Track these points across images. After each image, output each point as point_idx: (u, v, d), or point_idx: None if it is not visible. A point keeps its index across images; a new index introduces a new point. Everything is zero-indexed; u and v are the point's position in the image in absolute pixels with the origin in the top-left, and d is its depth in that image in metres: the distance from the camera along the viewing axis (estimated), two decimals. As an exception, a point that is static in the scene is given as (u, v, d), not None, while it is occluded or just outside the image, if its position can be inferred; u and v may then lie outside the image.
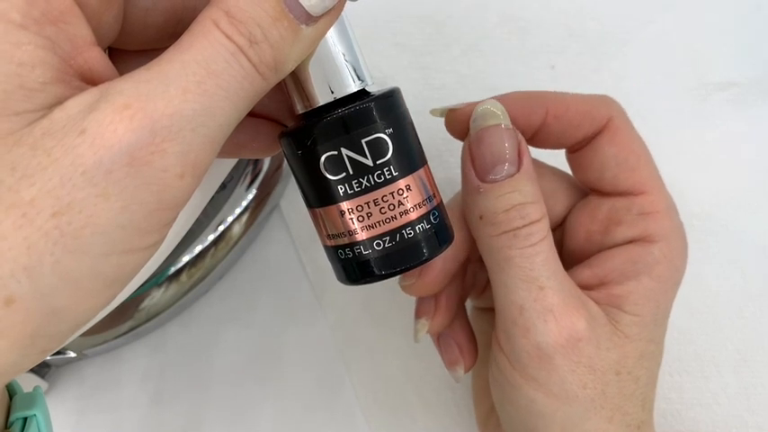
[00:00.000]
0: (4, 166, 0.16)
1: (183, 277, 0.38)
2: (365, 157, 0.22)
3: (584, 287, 0.29)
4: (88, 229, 0.16)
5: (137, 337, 0.39)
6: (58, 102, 0.17)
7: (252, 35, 0.18)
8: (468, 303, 0.35)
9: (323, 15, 0.19)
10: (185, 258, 0.38)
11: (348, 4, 0.21)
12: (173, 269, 0.38)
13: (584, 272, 0.29)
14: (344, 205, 0.22)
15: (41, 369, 0.38)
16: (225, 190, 0.38)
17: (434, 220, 0.23)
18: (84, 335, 0.37)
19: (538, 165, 0.31)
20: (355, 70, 0.22)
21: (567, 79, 0.41)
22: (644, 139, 0.30)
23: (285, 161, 0.33)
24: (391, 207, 0.22)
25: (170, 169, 0.17)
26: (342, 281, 0.24)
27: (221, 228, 0.38)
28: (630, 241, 0.29)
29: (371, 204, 0.22)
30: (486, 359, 0.32)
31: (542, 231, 0.27)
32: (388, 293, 0.40)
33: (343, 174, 0.22)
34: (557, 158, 0.32)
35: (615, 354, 0.27)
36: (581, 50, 0.41)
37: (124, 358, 0.40)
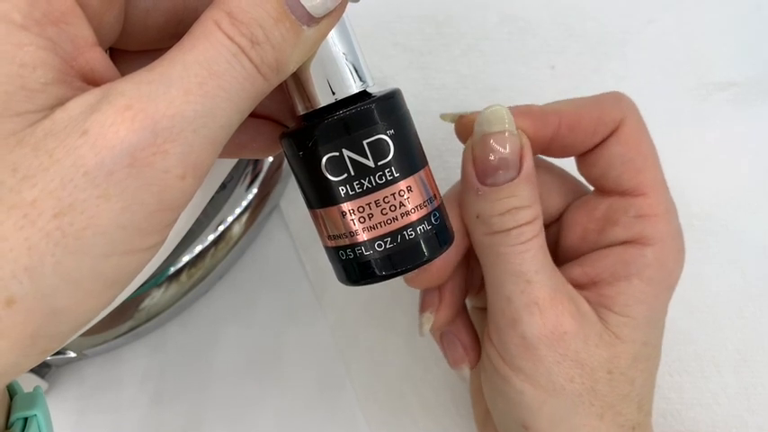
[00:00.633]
0: (5, 166, 0.16)
1: (183, 277, 0.38)
2: (366, 158, 0.22)
3: (576, 285, 0.29)
4: (89, 229, 0.16)
5: (137, 337, 0.39)
6: (60, 102, 0.17)
7: (254, 36, 0.18)
8: (467, 303, 0.35)
9: (324, 17, 0.19)
10: (185, 258, 0.38)
11: (349, 5, 0.21)
12: (173, 269, 0.38)
13: (575, 269, 0.30)
14: (346, 206, 0.22)
15: (41, 369, 0.38)
16: (225, 190, 0.38)
17: (435, 221, 0.23)
18: (84, 335, 0.37)
19: (536, 161, 0.31)
20: (356, 71, 0.22)
21: (567, 79, 0.41)
22: (644, 138, 0.30)
23: (285, 161, 0.33)
24: (392, 208, 0.22)
25: (171, 170, 0.17)
26: (342, 281, 0.24)
27: (221, 228, 0.38)
28: (625, 242, 0.29)
29: (372, 205, 0.22)
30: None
31: (533, 230, 0.27)
32: (389, 293, 0.40)
33: (345, 175, 0.22)
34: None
35: (605, 352, 0.27)
36: (581, 50, 0.41)
37: (124, 358, 0.40)
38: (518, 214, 0.27)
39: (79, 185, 0.16)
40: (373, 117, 0.22)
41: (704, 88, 0.41)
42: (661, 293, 0.29)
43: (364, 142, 0.22)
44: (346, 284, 0.24)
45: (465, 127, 0.30)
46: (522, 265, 0.27)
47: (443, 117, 0.31)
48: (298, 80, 0.22)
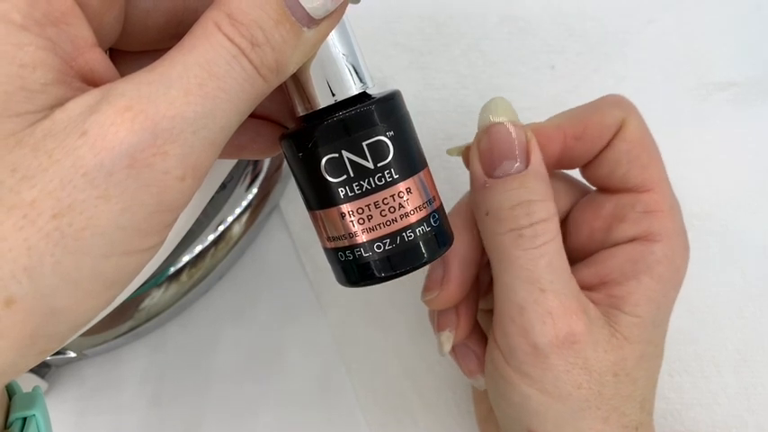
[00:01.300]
0: (5, 167, 0.16)
1: (183, 277, 0.38)
2: (366, 159, 0.22)
3: (585, 286, 0.29)
4: (89, 230, 0.16)
5: (137, 337, 0.39)
6: (59, 103, 0.17)
7: (254, 37, 0.18)
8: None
9: (325, 18, 0.19)
10: (185, 258, 0.38)
11: (349, 6, 0.21)
12: (173, 269, 0.38)
13: (584, 270, 0.29)
14: (345, 208, 0.22)
15: (41, 369, 0.38)
16: (225, 190, 0.38)
17: (434, 222, 0.23)
18: (84, 335, 0.37)
19: None
20: (356, 73, 0.22)
21: (567, 79, 0.41)
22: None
23: (285, 161, 0.33)
24: (392, 210, 0.22)
25: (171, 171, 0.17)
26: (342, 283, 0.24)
27: (221, 228, 0.38)
28: (633, 239, 0.29)
29: (372, 207, 0.22)
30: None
31: (549, 232, 0.27)
32: (389, 293, 0.40)
33: (344, 176, 0.22)
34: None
35: (613, 356, 0.27)
36: (581, 50, 0.41)
37: (124, 358, 0.40)
38: (530, 208, 0.26)
39: (78, 186, 0.16)
40: (373, 118, 0.22)
41: (704, 88, 0.41)
42: (669, 291, 0.29)
43: (364, 144, 0.22)
44: (345, 286, 0.24)
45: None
46: (536, 272, 0.26)
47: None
48: (297, 81, 0.22)
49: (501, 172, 0.27)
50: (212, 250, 0.38)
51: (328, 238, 0.23)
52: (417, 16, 0.42)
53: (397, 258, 0.23)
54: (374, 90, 0.23)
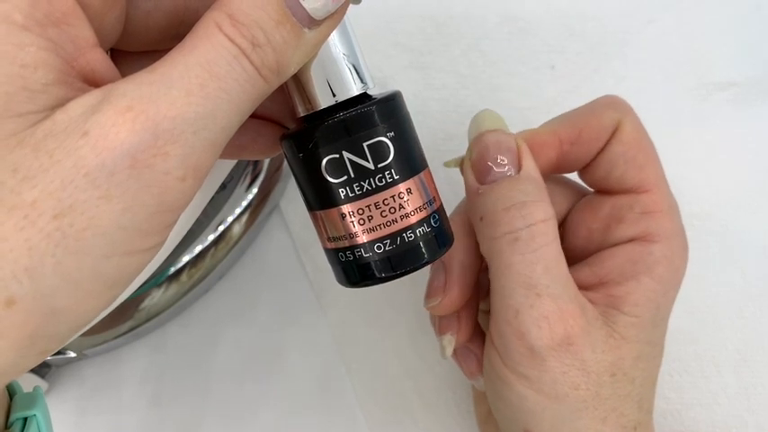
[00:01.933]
0: (6, 167, 0.16)
1: (183, 277, 0.38)
2: (366, 160, 0.22)
3: (584, 287, 0.29)
4: (90, 230, 0.16)
5: (137, 337, 0.39)
6: (61, 103, 0.17)
7: (255, 38, 0.18)
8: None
9: (325, 19, 0.19)
10: (185, 258, 0.38)
11: (350, 6, 0.21)
12: (173, 269, 0.38)
13: (583, 271, 0.29)
14: (345, 208, 0.22)
15: (41, 369, 0.38)
16: (225, 190, 0.38)
17: (435, 223, 0.23)
18: (84, 335, 0.37)
19: None
20: (357, 73, 0.22)
21: (567, 79, 0.41)
22: (645, 138, 0.30)
23: (285, 161, 0.33)
24: (392, 210, 0.22)
25: (172, 172, 0.17)
26: (342, 283, 0.24)
27: (221, 228, 0.38)
28: (631, 240, 0.29)
29: (372, 207, 0.22)
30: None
31: (546, 234, 0.26)
32: (389, 294, 0.40)
33: (345, 177, 0.22)
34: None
35: (610, 356, 0.27)
36: (581, 50, 0.41)
37: (124, 358, 0.40)
38: (525, 209, 0.26)
39: (80, 186, 0.16)
40: (373, 119, 0.22)
41: (704, 88, 0.41)
42: (669, 291, 0.29)
43: (364, 144, 0.22)
44: (346, 286, 0.24)
45: None
46: (533, 277, 0.26)
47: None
48: (298, 82, 0.22)
49: (492, 178, 0.27)
50: (212, 250, 0.38)
51: (329, 238, 0.23)
52: (418, 16, 0.42)
53: (397, 259, 0.23)
54: (375, 90, 0.24)
